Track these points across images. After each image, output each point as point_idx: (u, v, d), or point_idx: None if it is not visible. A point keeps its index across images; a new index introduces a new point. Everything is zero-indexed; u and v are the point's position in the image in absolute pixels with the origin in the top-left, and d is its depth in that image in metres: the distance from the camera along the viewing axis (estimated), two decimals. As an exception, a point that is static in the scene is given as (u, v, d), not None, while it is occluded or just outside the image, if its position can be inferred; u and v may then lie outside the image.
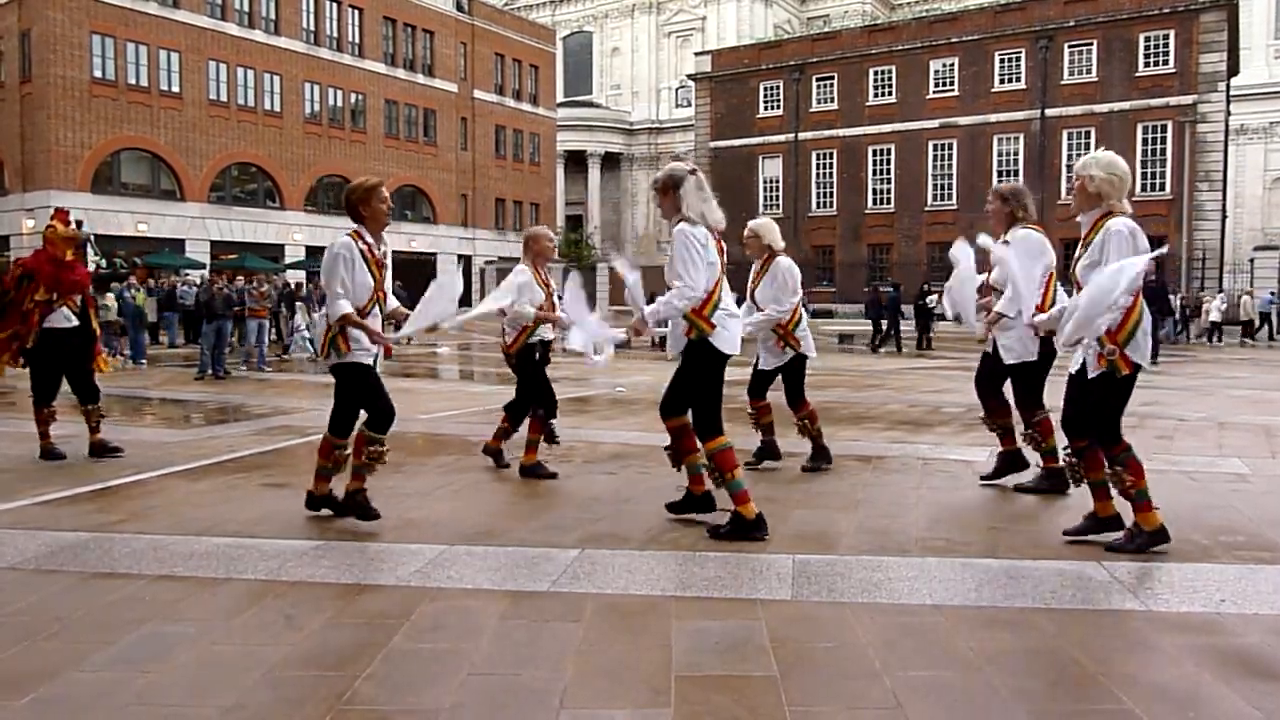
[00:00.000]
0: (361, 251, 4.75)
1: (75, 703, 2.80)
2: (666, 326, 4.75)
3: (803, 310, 6.42)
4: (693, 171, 4.65)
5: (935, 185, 43.24)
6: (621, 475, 6.36)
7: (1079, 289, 4.33)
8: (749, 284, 6.33)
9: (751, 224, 6.38)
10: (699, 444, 4.73)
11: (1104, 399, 4.41)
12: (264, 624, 3.47)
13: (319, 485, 5.08)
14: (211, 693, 2.85)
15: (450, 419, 9.33)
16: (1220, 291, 30.89)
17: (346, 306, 4.66)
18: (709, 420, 4.65)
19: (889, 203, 44.24)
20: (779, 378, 6.50)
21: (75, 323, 6.94)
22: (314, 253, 37.99)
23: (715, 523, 4.72)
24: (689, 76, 52.74)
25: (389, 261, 4.98)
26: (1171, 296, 27.90)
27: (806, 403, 6.46)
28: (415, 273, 25.01)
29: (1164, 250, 4.99)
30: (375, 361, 4.91)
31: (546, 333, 6.18)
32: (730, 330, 4.64)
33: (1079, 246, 4.46)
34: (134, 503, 5.54)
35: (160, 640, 3.29)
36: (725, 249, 4.69)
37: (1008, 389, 5.87)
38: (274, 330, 20.41)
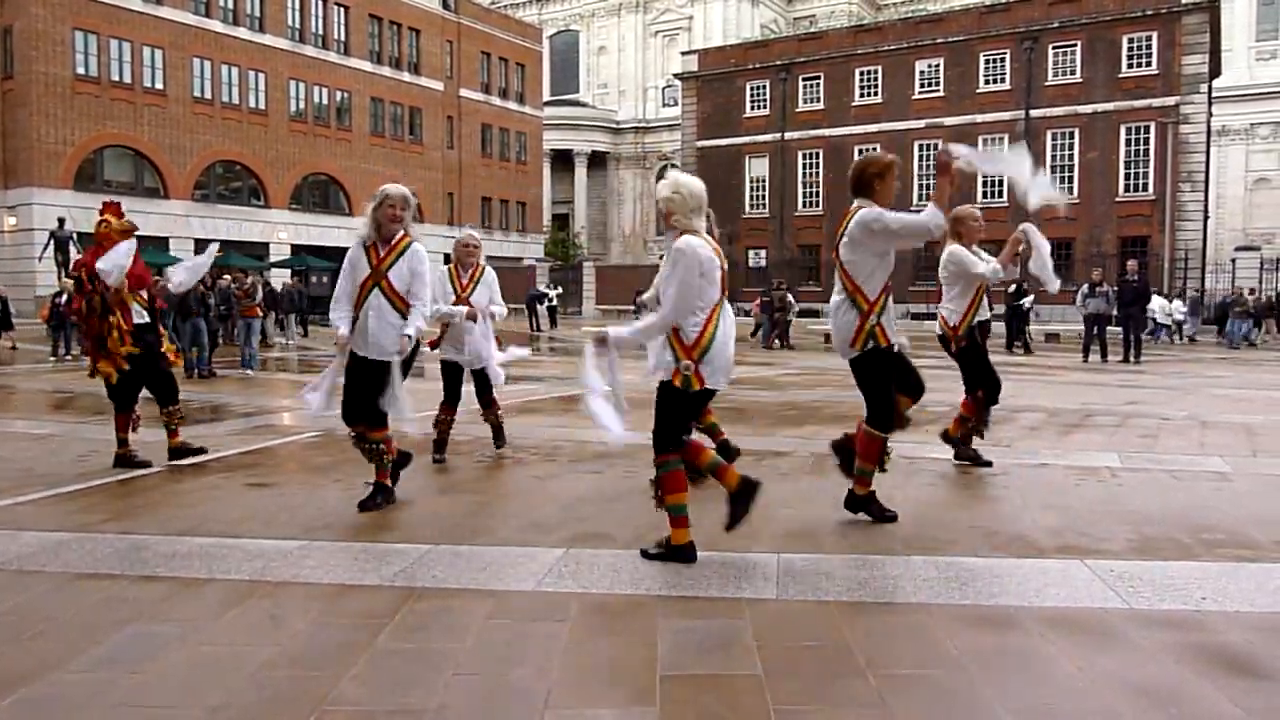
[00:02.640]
0: None
1: (63, 703, 2.79)
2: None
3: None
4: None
5: (921, 185, 43.36)
6: (606, 475, 6.36)
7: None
8: (463, 290, 6.83)
9: (477, 237, 7.14)
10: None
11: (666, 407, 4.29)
12: (250, 624, 3.47)
13: (861, 487, 5.03)
14: (199, 693, 2.84)
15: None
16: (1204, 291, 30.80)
17: (912, 215, 4.61)
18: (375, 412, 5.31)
19: (875, 202, 44.32)
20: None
21: (146, 318, 6.72)
22: (298, 251, 37.85)
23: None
24: (675, 76, 52.70)
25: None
26: (1247, 297, 27.43)
27: (495, 402, 7.21)
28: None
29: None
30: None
31: (984, 313, 6.45)
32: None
33: None
34: (117, 503, 5.51)
35: (146, 640, 3.28)
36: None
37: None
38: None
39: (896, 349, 4.92)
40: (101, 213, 6.64)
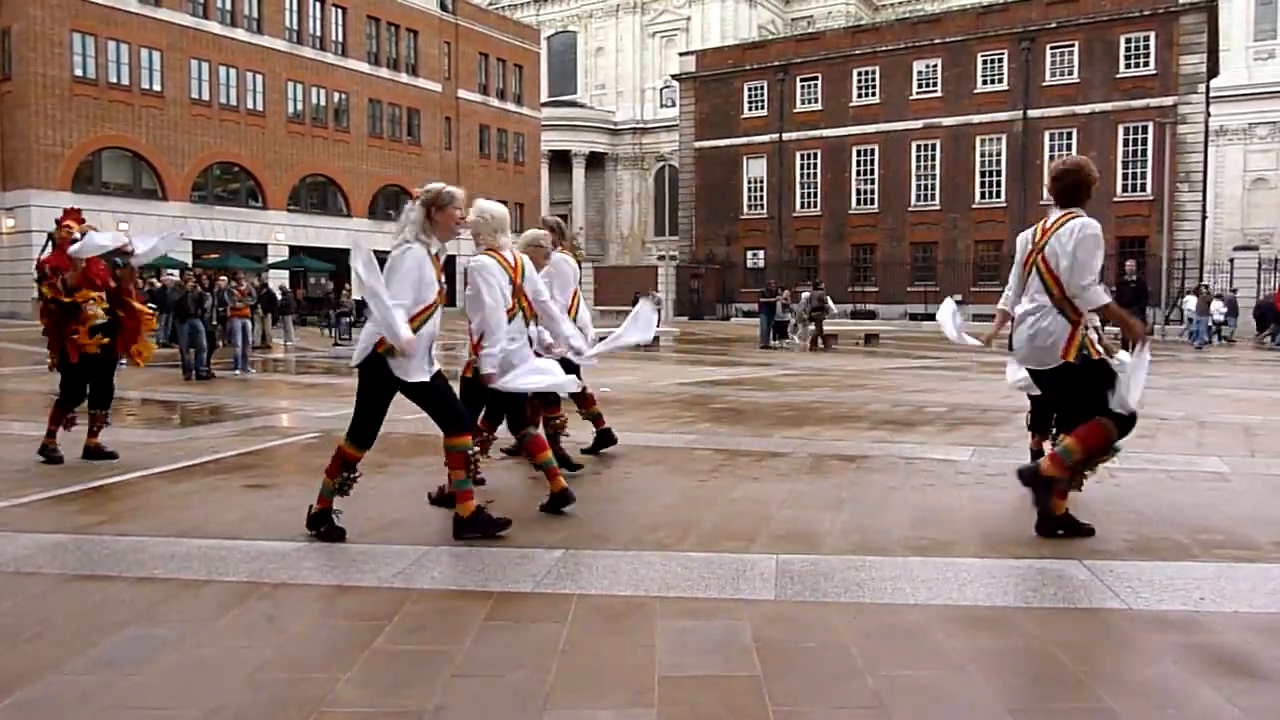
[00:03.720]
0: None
1: (58, 704, 2.78)
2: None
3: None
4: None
5: (919, 185, 43.46)
6: (605, 475, 6.36)
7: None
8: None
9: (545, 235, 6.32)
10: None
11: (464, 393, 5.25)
12: (247, 626, 3.46)
13: (1058, 505, 4.70)
14: (195, 695, 2.84)
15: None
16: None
17: (1104, 295, 4.56)
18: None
19: (873, 203, 44.41)
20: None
21: (103, 320, 6.76)
22: (296, 252, 37.84)
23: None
24: (673, 76, 52.75)
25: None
26: None
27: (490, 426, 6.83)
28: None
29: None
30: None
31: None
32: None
33: None
34: (115, 504, 5.50)
35: (143, 642, 3.27)
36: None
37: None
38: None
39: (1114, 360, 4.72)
40: (62, 220, 6.71)
